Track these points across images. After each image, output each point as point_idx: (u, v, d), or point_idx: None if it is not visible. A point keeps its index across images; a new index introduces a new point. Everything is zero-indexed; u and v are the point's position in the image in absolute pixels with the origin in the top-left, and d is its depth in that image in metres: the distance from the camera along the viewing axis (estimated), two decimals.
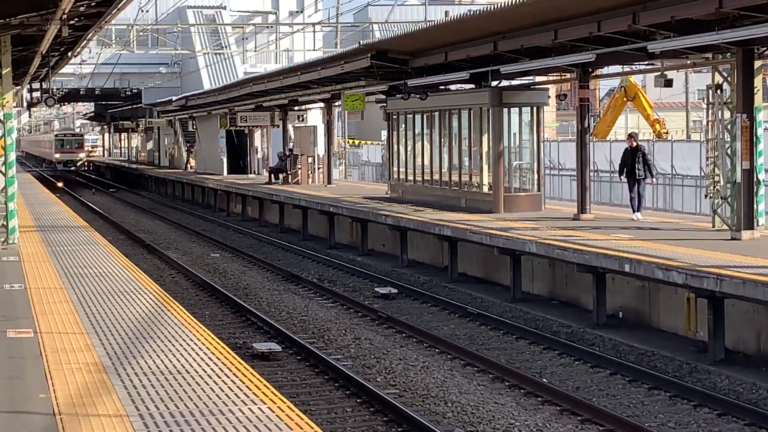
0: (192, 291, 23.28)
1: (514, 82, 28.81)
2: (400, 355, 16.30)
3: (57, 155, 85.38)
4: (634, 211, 22.81)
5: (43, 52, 22.22)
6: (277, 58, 61.53)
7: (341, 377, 14.64)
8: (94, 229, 25.56)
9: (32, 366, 10.06)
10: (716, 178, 19.65)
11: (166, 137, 67.87)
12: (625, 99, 50.02)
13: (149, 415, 8.30)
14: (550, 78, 27.91)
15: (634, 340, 16.69)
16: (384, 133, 40.98)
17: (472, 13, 22.87)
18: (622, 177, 23.44)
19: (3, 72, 19.39)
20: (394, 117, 31.28)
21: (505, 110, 25.56)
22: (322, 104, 41.05)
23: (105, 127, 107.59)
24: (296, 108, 44.68)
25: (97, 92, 65.43)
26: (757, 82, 18.92)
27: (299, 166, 41.24)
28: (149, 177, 63.77)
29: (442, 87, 29.52)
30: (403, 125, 30.88)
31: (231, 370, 9.83)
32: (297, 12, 61.32)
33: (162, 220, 41.98)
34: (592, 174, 29.04)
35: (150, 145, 76.35)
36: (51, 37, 19.01)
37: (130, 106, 76.24)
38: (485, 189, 26.13)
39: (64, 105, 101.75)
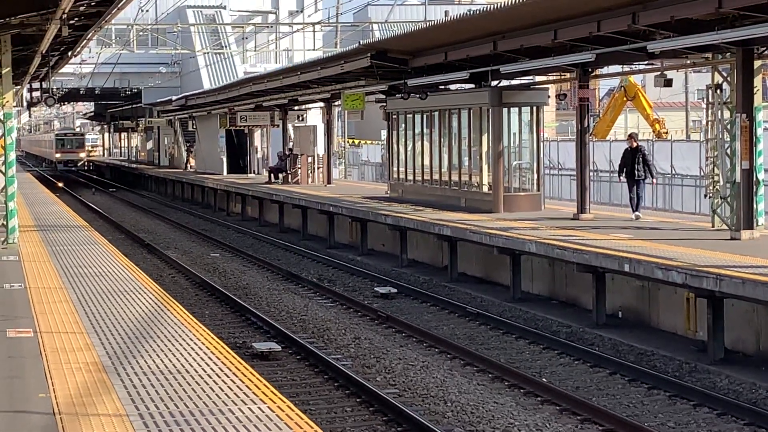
0: (192, 291, 23.29)
1: (514, 82, 28.82)
2: (400, 354, 16.31)
3: (57, 155, 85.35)
4: (633, 211, 22.82)
5: (43, 52, 22.22)
6: (277, 57, 61.55)
7: (341, 377, 14.65)
8: (94, 229, 25.57)
9: (32, 365, 10.06)
10: (716, 178, 19.66)
11: (166, 137, 67.88)
12: (624, 99, 50.01)
13: (149, 414, 8.30)
14: (550, 78, 27.92)
15: (633, 340, 16.69)
16: (384, 133, 40.98)
17: (471, 12, 22.87)
18: (621, 177, 23.45)
19: (3, 71, 19.39)
20: (394, 117, 31.29)
21: (505, 110, 25.56)
22: (321, 104, 41.04)
23: (105, 126, 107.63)
24: (296, 108, 44.67)
25: (97, 92, 65.42)
26: (757, 81, 18.93)
27: (299, 166, 41.24)
28: (149, 177, 63.77)
29: (442, 87, 29.52)
30: (403, 125, 30.88)
31: (231, 370, 9.83)
32: (297, 12, 61.33)
33: (162, 220, 41.98)
34: (591, 174, 29.04)
35: (150, 145, 76.35)
36: (51, 37, 19.01)
37: (130, 106, 76.25)
38: (485, 189, 26.14)
39: (64, 105, 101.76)
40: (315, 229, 33.33)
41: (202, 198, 49.59)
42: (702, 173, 26.82)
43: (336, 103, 39.04)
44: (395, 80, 29.43)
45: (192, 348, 10.82)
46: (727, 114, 19.50)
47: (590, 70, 23.56)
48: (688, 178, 31.87)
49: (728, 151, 19.32)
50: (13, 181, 20.11)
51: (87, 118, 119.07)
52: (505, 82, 27.50)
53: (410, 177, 30.65)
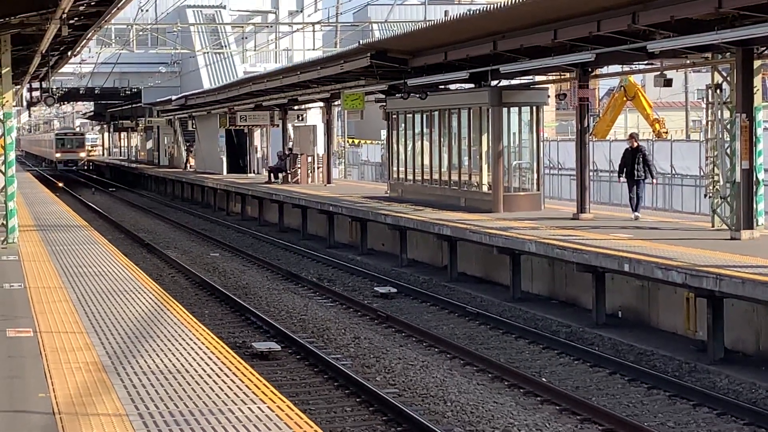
0: (191, 290, 23.29)
1: (514, 82, 28.82)
2: (400, 354, 16.31)
3: (58, 154, 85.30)
4: (633, 211, 22.81)
5: (43, 52, 22.22)
6: (277, 57, 61.56)
7: (340, 376, 14.64)
8: (94, 229, 25.57)
9: (32, 365, 10.06)
10: (716, 178, 19.66)
11: (165, 136, 67.86)
12: (624, 98, 50.02)
13: (149, 414, 8.30)
14: (550, 77, 27.91)
15: (633, 340, 16.69)
16: (383, 133, 40.99)
17: (471, 12, 22.86)
18: (621, 179, 23.41)
19: (3, 71, 19.39)
20: (394, 116, 31.29)
21: (505, 110, 25.56)
22: (321, 104, 41.05)
23: (104, 126, 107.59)
24: (296, 107, 44.67)
25: (96, 91, 65.43)
26: (757, 81, 18.93)
27: (299, 166, 41.24)
28: (149, 176, 63.77)
29: (442, 86, 29.52)
30: (403, 125, 30.88)
31: (230, 370, 9.83)
32: (297, 11, 61.34)
33: (161, 220, 41.98)
34: (591, 174, 29.04)
35: (149, 145, 76.34)
36: (51, 37, 19.01)
37: (130, 106, 76.24)
38: (485, 188, 26.14)
39: (63, 104, 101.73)
40: (315, 228, 33.33)
41: (201, 198, 49.59)
42: (702, 173, 26.83)
43: (336, 103, 39.05)
44: (395, 80, 29.43)
45: (192, 348, 10.82)
46: (726, 114, 19.50)
47: (590, 69, 23.56)
48: (688, 178, 31.87)
49: (728, 150, 19.33)
50: (13, 181, 20.11)
51: (87, 118, 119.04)
52: (504, 82, 27.50)
53: (410, 177, 30.65)
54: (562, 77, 27.68)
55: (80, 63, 56.47)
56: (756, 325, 15.40)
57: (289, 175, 41.26)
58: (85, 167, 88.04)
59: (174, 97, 53.82)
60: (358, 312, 20.38)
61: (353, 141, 59.48)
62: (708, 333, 15.36)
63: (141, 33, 54.31)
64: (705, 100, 20.98)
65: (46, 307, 13.31)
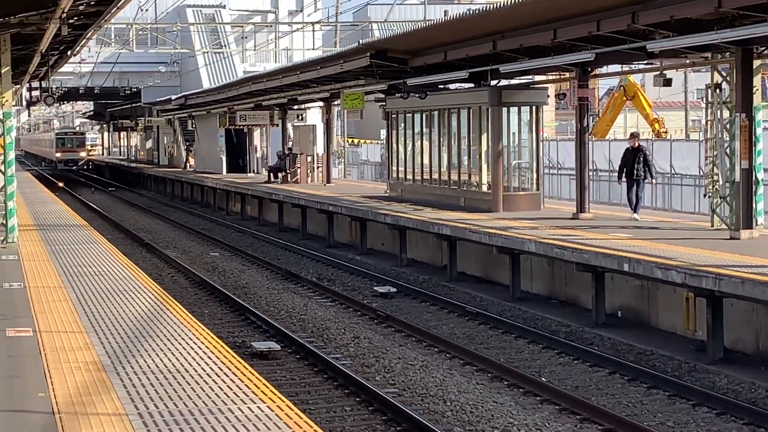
0: (191, 290, 23.29)
1: (514, 82, 28.81)
2: (399, 354, 16.31)
3: (58, 154, 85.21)
4: (633, 212, 22.80)
5: (43, 51, 22.23)
6: (277, 57, 61.55)
7: (340, 376, 14.65)
8: (94, 228, 25.57)
9: (31, 365, 10.06)
10: (715, 178, 19.67)
11: (165, 136, 67.85)
12: (624, 98, 50.03)
13: (148, 414, 8.30)
14: (550, 77, 27.92)
15: (633, 340, 16.70)
16: (383, 133, 40.97)
17: (471, 12, 22.87)
18: (620, 180, 23.37)
19: (2, 71, 19.38)
20: (394, 116, 31.29)
21: (505, 109, 25.56)
22: (321, 103, 41.05)
23: (104, 126, 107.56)
24: (295, 107, 44.67)
25: (96, 91, 65.44)
26: (756, 81, 18.93)
27: (298, 165, 41.23)
28: (148, 176, 63.77)
29: (442, 86, 29.52)
30: (403, 124, 30.88)
31: (230, 369, 9.83)
32: (296, 11, 61.33)
33: (161, 219, 41.98)
34: (591, 173, 29.03)
35: (149, 144, 76.32)
36: (50, 36, 19.01)
37: (130, 105, 76.23)
38: (484, 188, 26.15)
39: (63, 104, 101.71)
40: (314, 228, 33.33)
41: (201, 197, 49.60)
42: (701, 173, 26.83)
43: (335, 103, 39.06)
44: (395, 80, 29.43)
45: (191, 347, 10.82)
46: (726, 113, 19.51)
47: (589, 69, 23.56)
48: (687, 178, 31.87)
49: (727, 150, 19.33)
50: (13, 180, 20.11)
51: (86, 118, 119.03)
52: (504, 82, 27.50)
53: (409, 176, 30.65)
54: (562, 77, 27.69)
55: (80, 62, 56.49)
56: (755, 325, 15.41)
57: (289, 175, 41.25)
58: (85, 167, 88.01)
59: (174, 97, 53.82)
60: (357, 311, 20.38)
61: (353, 141, 59.47)
62: (707, 333, 15.36)
63: (141, 32, 54.31)
64: (704, 99, 20.99)
65: (45, 307, 13.31)
